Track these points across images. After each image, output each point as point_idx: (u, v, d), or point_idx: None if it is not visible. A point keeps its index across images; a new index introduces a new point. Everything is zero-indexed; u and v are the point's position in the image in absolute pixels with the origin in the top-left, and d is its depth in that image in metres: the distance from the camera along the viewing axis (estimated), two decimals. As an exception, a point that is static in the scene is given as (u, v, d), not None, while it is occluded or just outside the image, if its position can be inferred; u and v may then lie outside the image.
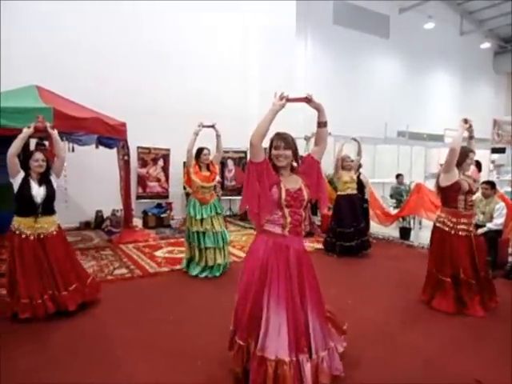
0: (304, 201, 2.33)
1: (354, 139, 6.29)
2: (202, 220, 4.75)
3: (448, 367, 2.79)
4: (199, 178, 4.77)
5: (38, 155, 3.50)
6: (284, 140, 2.33)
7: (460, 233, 3.69)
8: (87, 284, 3.77)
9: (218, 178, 5.01)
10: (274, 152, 2.34)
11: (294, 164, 2.39)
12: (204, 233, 4.75)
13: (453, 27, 16.34)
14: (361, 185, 6.81)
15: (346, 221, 5.82)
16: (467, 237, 3.71)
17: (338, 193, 6.05)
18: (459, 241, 3.68)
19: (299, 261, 2.34)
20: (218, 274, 4.81)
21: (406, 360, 2.89)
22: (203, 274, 4.79)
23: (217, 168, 5.00)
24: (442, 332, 3.37)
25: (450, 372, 2.74)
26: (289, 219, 2.31)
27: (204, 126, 4.78)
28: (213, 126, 4.87)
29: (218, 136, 4.94)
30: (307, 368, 2.22)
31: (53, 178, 3.60)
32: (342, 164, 5.96)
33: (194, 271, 4.82)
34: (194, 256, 4.83)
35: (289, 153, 2.32)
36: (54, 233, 3.55)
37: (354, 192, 5.98)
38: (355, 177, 6.02)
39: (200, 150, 4.82)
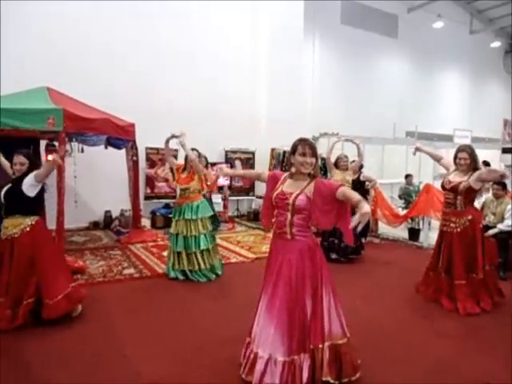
0: (288, 205, 2.34)
1: (350, 140, 6.04)
2: (176, 222, 4.69)
3: (460, 367, 2.77)
4: (178, 179, 4.77)
5: (17, 159, 3.34)
6: (311, 147, 2.37)
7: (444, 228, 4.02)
8: (64, 295, 3.37)
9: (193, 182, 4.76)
10: (299, 158, 2.36)
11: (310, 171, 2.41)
12: (177, 235, 4.67)
13: (462, 26, 16.16)
14: (362, 186, 6.73)
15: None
16: (448, 232, 3.94)
17: None
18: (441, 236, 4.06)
19: (298, 260, 2.35)
20: (201, 279, 4.65)
21: (418, 360, 2.87)
22: (181, 278, 4.68)
23: (202, 172, 4.91)
24: (453, 331, 3.34)
25: (462, 372, 2.72)
26: (274, 219, 2.46)
27: (174, 137, 4.62)
28: (177, 137, 4.63)
29: (182, 145, 4.66)
30: (305, 366, 2.30)
31: (28, 179, 3.31)
32: (338, 163, 5.81)
33: (171, 273, 4.73)
34: (173, 261, 4.72)
35: (314, 160, 2.37)
36: (16, 236, 3.28)
37: None
38: (349, 178, 5.76)
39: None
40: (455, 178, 3.88)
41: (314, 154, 2.38)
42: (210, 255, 4.75)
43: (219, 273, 4.87)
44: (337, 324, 2.40)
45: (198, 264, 4.65)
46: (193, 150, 4.87)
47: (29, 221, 3.33)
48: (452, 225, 3.89)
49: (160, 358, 2.88)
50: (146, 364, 2.79)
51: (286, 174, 2.51)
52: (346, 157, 5.91)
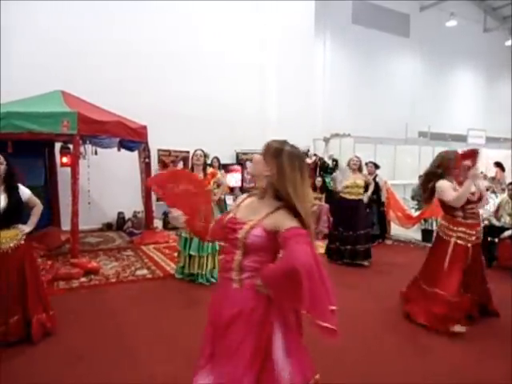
0: (237, 239, 1.61)
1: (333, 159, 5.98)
2: None
3: (475, 374, 2.73)
4: None
5: None
6: (265, 151, 1.67)
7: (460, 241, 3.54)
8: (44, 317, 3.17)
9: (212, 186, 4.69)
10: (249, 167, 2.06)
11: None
12: (191, 239, 4.59)
13: (476, 24, 15.93)
14: (376, 187, 6.69)
15: (342, 224, 5.58)
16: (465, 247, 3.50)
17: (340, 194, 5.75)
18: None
19: (235, 327, 1.61)
20: (205, 282, 4.60)
21: (432, 366, 2.84)
22: (187, 279, 4.71)
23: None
24: (465, 338, 3.26)
25: (477, 379, 2.68)
26: (221, 256, 1.80)
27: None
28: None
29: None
30: None
31: (24, 188, 3.11)
32: (349, 164, 5.65)
33: (179, 275, 4.78)
34: (184, 263, 4.71)
35: (264, 168, 1.64)
36: (10, 251, 2.96)
37: (358, 197, 5.53)
38: (360, 182, 5.55)
39: (194, 152, 4.78)
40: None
41: (269, 159, 1.63)
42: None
43: None
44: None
45: (208, 266, 4.66)
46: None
47: (18, 232, 3.06)
48: (473, 238, 3.46)
49: (173, 360, 2.89)
50: (159, 365, 2.82)
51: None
52: (358, 157, 5.77)
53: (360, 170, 5.66)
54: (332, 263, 5.52)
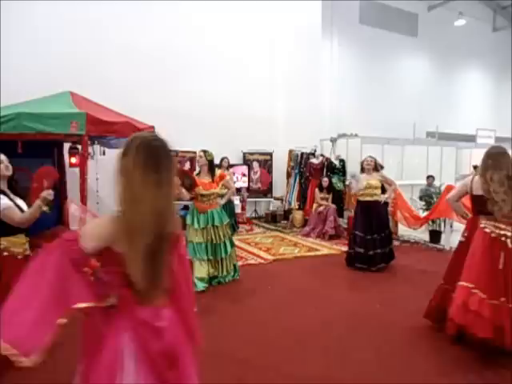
0: None
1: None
2: (203, 230, 4.46)
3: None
4: (200, 185, 4.50)
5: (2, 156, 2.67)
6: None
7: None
8: None
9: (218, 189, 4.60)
10: None
11: None
12: (206, 244, 4.48)
13: (485, 23, 15.78)
14: (382, 188, 6.65)
15: (361, 228, 5.39)
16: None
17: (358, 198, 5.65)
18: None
19: None
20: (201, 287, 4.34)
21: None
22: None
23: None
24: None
25: None
26: None
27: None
28: None
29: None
30: None
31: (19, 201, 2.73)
32: (363, 165, 5.56)
33: (201, 286, 4.38)
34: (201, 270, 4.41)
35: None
36: (19, 256, 2.68)
37: (373, 199, 5.36)
38: (375, 182, 5.37)
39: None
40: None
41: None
42: (232, 259, 4.76)
43: (237, 276, 4.83)
44: None
45: (223, 269, 4.63)
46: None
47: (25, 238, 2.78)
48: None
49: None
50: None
51: None
52: (371, 157, 5.59)
53: (376, 169, 5.47)
54: (351, 268, 5.38)
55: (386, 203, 6.81)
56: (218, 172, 4.69)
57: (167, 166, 1.42)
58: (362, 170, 5.55)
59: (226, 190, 4.76)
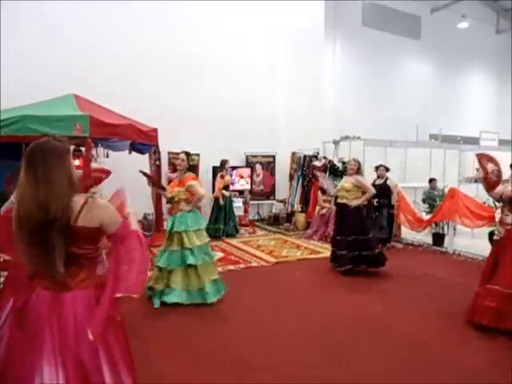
0: None
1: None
2: (169, 234, 4.17)
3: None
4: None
5: None
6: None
7: None
8: None
9: (200, 190, 4.17)
10: None
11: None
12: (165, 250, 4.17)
13: (488, 26, 15.75)
14: (387, 190, 6.66)
15: (336, 228, 5.53)
16: None
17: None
18: None
19: None
20: (179, 301, 3.95)
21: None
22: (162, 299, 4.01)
23: (193, 185, 4.14)
24: (486, 348, 3.17)
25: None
26: None
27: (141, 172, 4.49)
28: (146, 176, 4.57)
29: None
30: None
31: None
32: (346, 168, 5.59)
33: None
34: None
35: None
36: None
37: (343, 201, 5.30)
38: (348, 185, 5.27)
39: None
40: None
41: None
42: (207, 273, 4.12)
43: (214, 298, 4.05)
44: None
45: (191, 281, 4.06)
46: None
47: None
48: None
49: (184, 360, 2.92)
50: (170, 365, 2.84)
51: None
52: (356, 160, 5.43)
53: (358, 173, 5.33)
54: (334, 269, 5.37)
55: (390, 205, 6.81)
56: (186, 175, 4.26)
57: (43, 161, 1.59)
58: (345, 171, 5.53)
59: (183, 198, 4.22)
